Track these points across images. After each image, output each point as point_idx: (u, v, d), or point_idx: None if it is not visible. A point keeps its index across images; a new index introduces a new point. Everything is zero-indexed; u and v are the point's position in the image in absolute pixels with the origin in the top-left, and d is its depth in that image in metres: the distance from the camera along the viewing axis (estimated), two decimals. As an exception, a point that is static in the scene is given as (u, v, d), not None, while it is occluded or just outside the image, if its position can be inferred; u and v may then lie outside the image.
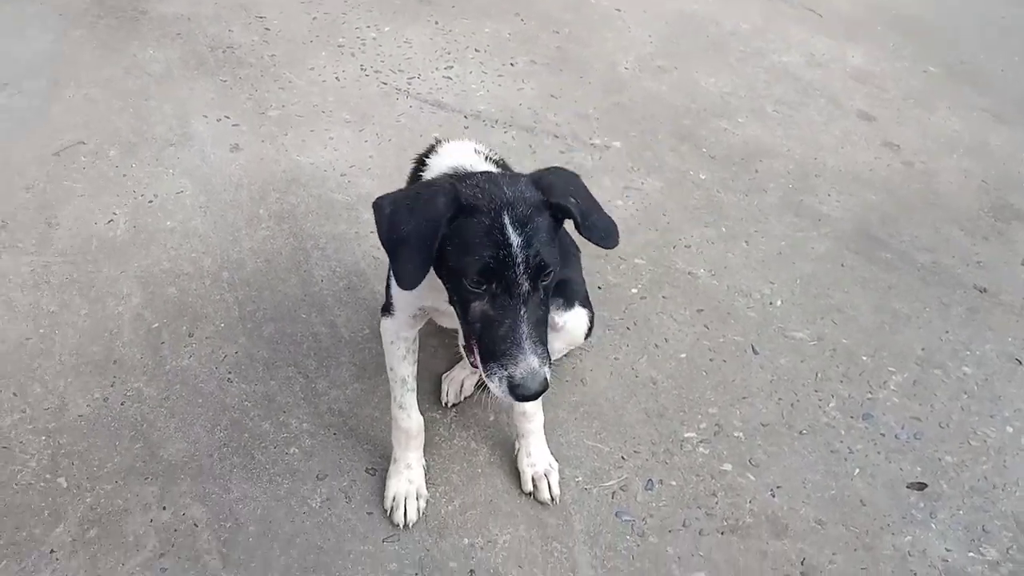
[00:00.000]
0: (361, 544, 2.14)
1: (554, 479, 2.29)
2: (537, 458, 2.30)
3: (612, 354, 2.73)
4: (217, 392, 2.46)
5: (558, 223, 1.76)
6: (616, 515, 2.27)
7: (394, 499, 2.20)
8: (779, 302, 3.01)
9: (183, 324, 2.65)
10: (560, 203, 1.71)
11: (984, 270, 3.24)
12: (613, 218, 1.81)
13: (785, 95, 4.30)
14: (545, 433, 2.37)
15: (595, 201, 1.82)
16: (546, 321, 1.74)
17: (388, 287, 2.15)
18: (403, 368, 2.19)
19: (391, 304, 2.14)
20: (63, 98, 3.54)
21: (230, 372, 2.52)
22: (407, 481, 2.22)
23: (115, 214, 2.99)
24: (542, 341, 1.66)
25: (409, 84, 3.93)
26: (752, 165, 3.68)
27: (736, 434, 2.53)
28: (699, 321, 2.89)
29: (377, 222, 1.70)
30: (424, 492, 2.23)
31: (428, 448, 2.37)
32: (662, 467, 2.40)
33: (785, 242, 3.28)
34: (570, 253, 2.44)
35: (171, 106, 3.57)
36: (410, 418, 2.22)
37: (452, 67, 4.10)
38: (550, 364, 1.67)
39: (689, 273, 3.07)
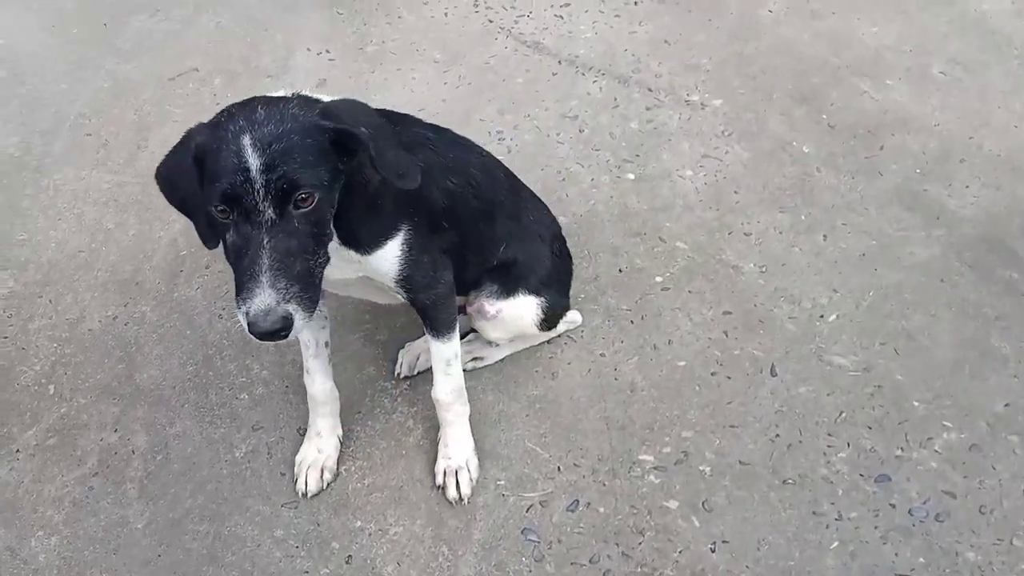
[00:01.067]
0: (261, 504, 2.20)
1: (464, 478, 2.17)
2: (454, 451, 2.19)
3: (600, 348, 2.47)
4: (205, 327, 2.61)
5: (347, 153, 1.61)
6: (522, 532, 2.10)
7: (299, 465, 2.23)
8: (833, 316, 2.51)
9: (206, 254, 2.83)
10: (346, 128, 1.57)
11: None
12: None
13: (963, 53, 3.46)
14: (478, 425, 2.25)
15: (393, 138, 1.67)
16: (315, 251, 1.59)
17: None
18: (305, 333, 2.15)
19: None
20: (198, 24, 3.83)
21: (224, 308, 2.66)
22: (316, 450, 2.22)
23: (192, 142, 3.23)
24: (293, 275, 1.52)
25: (516, 23, 3.71)
26: (879, 140, 3.03)
27: (702, 467, 2.20)
28: (720, 326, 2.50)
29: (161, 192, 1.71)
30: (332, 465, 2.22)
31: (366, 419, 2.35)
32: (596, 488, 2.17)
33: (876, 242, 2.70)
34: (519, 231, 2.22)
35: (283, 36, 3.71)
36: (314, 383, 2.19)
37: (568, 4, 3.79)
38: (305, 302, 1.54)
39: (734, 267, 2.66)
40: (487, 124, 3.20)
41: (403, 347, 2.47)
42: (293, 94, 1.68)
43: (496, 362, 2.44)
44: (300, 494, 2.19)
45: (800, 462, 2.20)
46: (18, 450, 2.34)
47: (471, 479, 2.18)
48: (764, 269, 2.65)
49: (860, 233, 2.73)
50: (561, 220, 2.73)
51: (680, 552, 2.04)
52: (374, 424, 2.34)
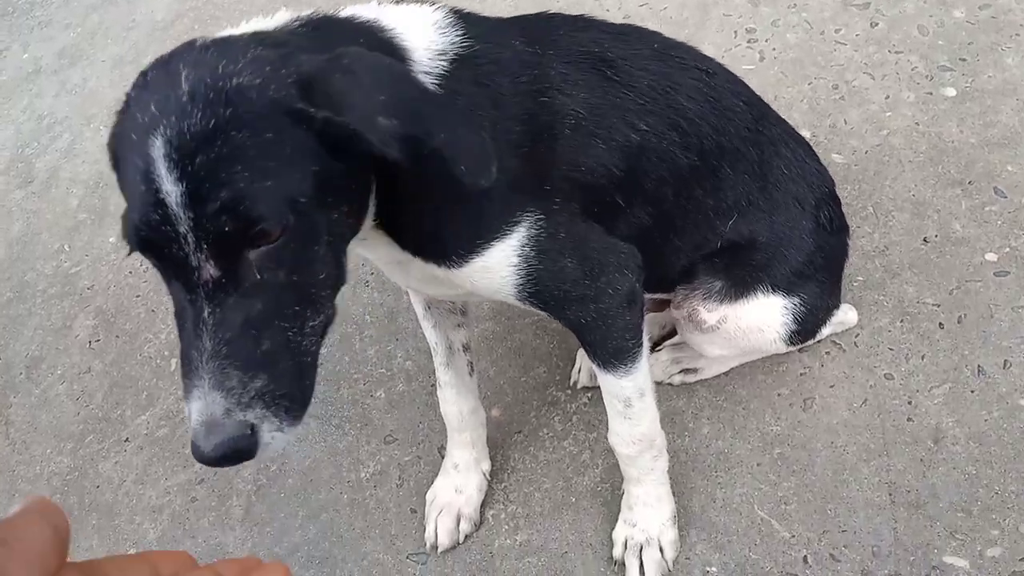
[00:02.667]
0: (382, 550, 1.63)
1: (652, 559, 1.44)
2: (640, 517, 1.46)
3: (884, 366, 1.59)
4: (348, 296, 2.07)
5: (339, 152, 0.92)
6: (737, 653, 1.37)
7: (429, 505, 1.62)
8: None
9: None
10: (342, 123, 0.89)
11: None
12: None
13: None
14: (683, 471, 1.53)
15: (446, 108, 0.98)
16: (297, 314, 0.93)
17: None
18: (431, 332, 1.53)
19: None
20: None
21: (371, 274, 2.10)
22: (453, 489, 1.60)
23: None
24: (256, 361, 0.89)
25: None
26: None
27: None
28: (1103, 342, 1.52)
29: None
30: (471, 512, 1.58)
31: (528, 443, 1.69)
32: (865, 599, 1.36)
33: None
34: (783, 193, 1.39)
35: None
36: (446, 401, 1.57)
37: None
38: (281, 403, 0.90)
39: None
40: (733, 20, 2.30)
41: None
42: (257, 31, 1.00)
43: (716, 376, 1.67)
44: (429, 545, 1.61)
45: None
46: (127, 439, 1.97)
47: (664, 562, 1.45)
48: None
49: None
50: (834, 160, 1.87)
51: None
52: (537, 453, 1.68)
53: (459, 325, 1.53)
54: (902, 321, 1.64)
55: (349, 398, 1.88)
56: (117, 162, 0.94)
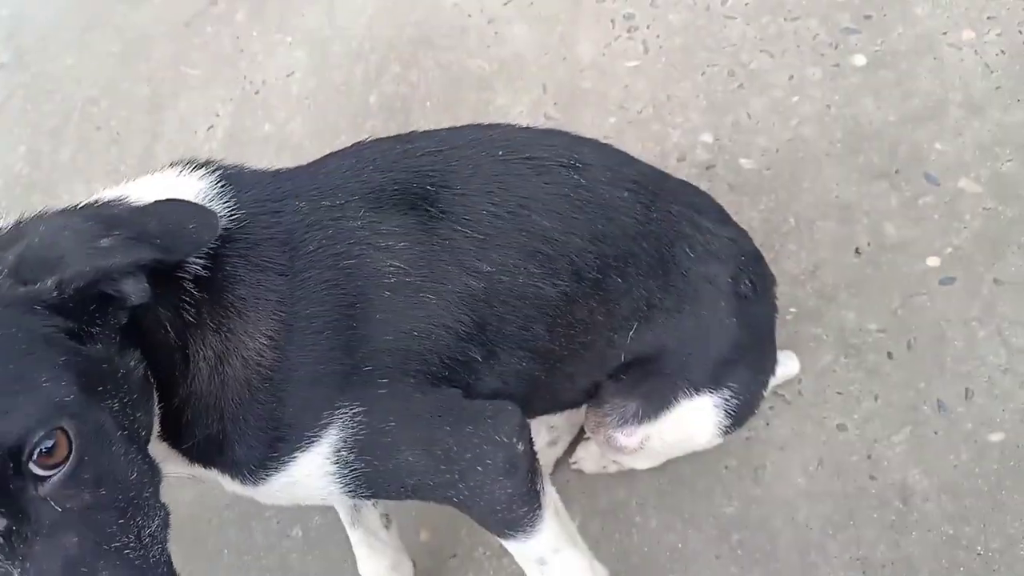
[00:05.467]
0: None
1: None
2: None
3: (835, 415, 1.42)
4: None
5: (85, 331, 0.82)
6: None
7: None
8: None
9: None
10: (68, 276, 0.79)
11: None
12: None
13: None
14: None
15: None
16: (122, 539, 0.78)
17: None
18: None
19: None
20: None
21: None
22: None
23: (218, 116, 2.36)
24: None
25: None
26: None
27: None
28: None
29: None
30: None
31: (468, 567, 1.51)
32: None
33: None
34: (691, 281, 1.17)
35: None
36: (361, 561, 1.38)
37: None
38: None
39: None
40: (608, 6, 2.03)
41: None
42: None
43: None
44: None
45: None
46: None
47: None
48: None
49: None
50: (744, 167, 1.67)
51: None
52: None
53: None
54: (846, 356, 1.46)
55: (263, 543, 1.68)
56: None
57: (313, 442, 0.93)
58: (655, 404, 1.19)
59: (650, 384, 1.19)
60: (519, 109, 1.99)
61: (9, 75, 2.77)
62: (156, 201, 0.91)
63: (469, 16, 2.19)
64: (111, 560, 0.77)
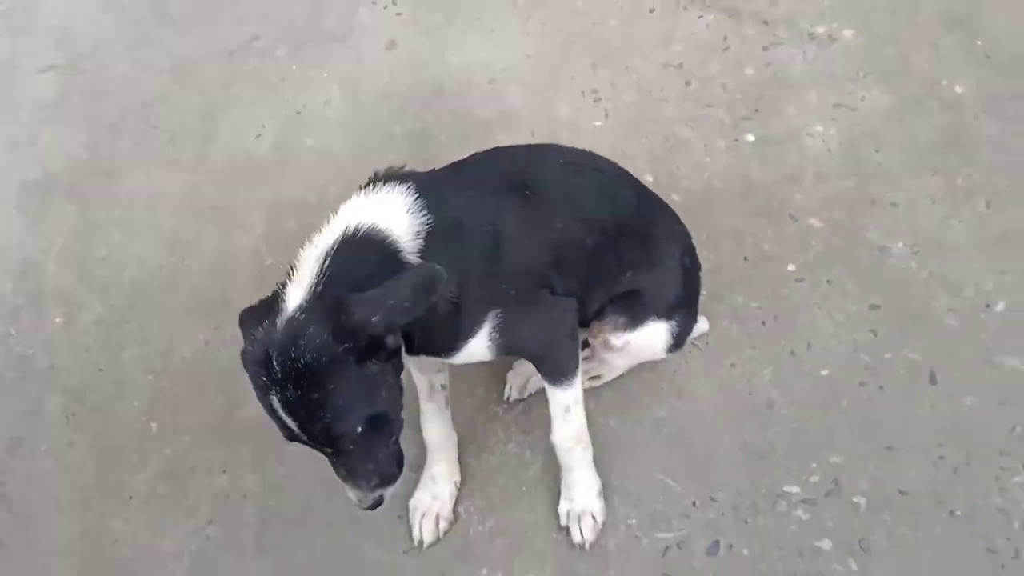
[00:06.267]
0: (381, 551, 2.09)
1: (587, 524, 1.99)
2: (577, 494, 2.01)
3: (729, 358, 2.22)
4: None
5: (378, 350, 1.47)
6: (661, 578, 1.95)
7: (412, 512, 2.10)
8: (1002, 306, 2.17)
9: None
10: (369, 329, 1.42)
11: None
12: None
13: None
14: (603, 456, 2.07)
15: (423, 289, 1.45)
16: (387, 439, 1.59)
17: None
18: (418, 376, 2.00)
19: None
20: (254, -20, 3.52)
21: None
22: (430, 496, 2.08)
23: (264, 127, 2.99)
24: (372, 469, 1.58)
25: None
26: (1050, 71, 2.56)
27: (856, 499, 1.97)
28: (867, 324, 2.21)
29: None
30: (447, 513, 2.08)
31: (480, 451, 2.19)
32: (739, 528, 1.98)
33: (1052, 207, 2.31)
34: (647, 255, 1.95)
35: (346, -11, 3.37)
36: (428, 428, 2.05)
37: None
38: (388, 478, 1.62)
39: (880, 248, 2.32)
40: (580, 82, 2.85)
41: (511, 368, 2.27)
42: (314, 284, 1.49)
43: (614, 379, 2.23)
44: (417, 543, 2.08)
45: (969, 489, 1.94)
46: (131, 496, 2.29)
47: (596, 524, 2.01)
48: (916, 250, 2.30)
49: (1032, 197, 2.34)
50: (673, 199, 2.44)
51: (839, 604, 1.86)
52: (489, 458, 2.18)
53: (439, 370, 1.99)
54: (737, 323, 2.27)
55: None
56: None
57: (477, 333, 1.66)
58: (635, 321, 1.96)
59: (633, 309, 1.95)
60: (514, 147, 2.75)
61: (64, 76, 3.26)
62: (409, 272, 1.48)
63: (473, 76, 2.95)
64: (379, 451, 1.57)
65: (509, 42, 3.03)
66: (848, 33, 2.78)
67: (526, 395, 2.25)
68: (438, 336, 1.63)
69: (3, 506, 2.34)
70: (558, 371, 1.82)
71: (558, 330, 1.76)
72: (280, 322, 1.43)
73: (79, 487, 2.33)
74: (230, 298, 2.60)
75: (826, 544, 1.93)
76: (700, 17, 2.93)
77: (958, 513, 1.92)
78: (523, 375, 2.24)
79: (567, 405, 1.88)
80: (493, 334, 1.66)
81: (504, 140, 2.78)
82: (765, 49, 2.79)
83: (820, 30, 2.80)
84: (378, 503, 1.63)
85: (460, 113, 2.87)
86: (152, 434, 2.39)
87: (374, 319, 1.39)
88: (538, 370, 1.86)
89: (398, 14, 3.20)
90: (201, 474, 2.30)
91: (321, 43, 3.20)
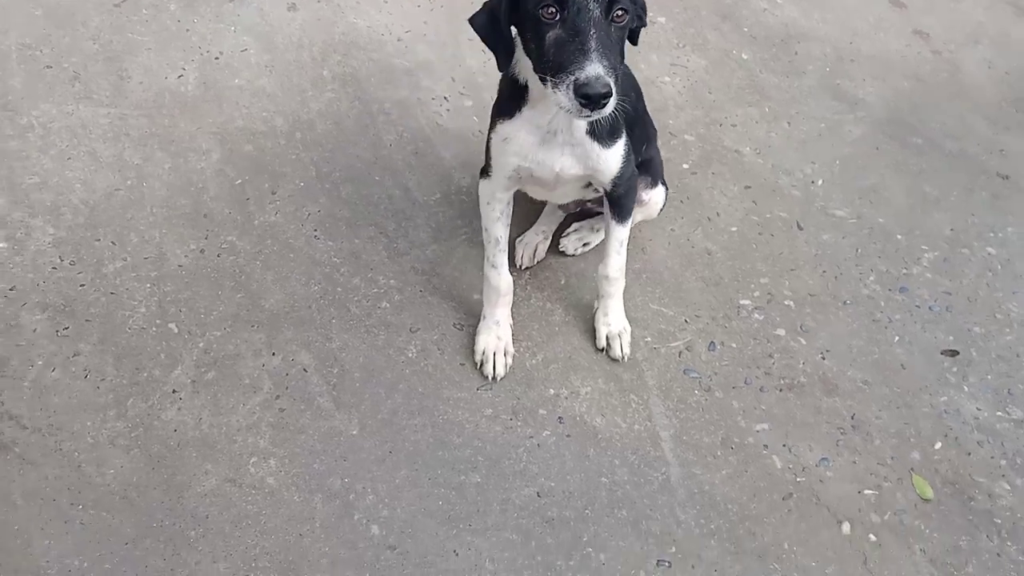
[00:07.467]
0: (457, 391, 2.33)
1: (626, 340, 2.49)
2: (613, 319, 2.49)
3: (669, 225, 2.89)
4: (306, 248, 2.57)
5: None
6: (684, 372, 2.49)
7: (483, 353, 2.38)
8: (820, 181, 3.17)
9: (264, 181, 2.72)
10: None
11: (1006, 159, 3.43)
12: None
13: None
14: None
15: None
16: (617, 50, 1.85)
17: (487, 149, 2.26)
18: (497, 228, 2.33)
19: (489, 165, 2.25)
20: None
21: (315, 229, 2.62)
22: (496, 337, 2.40)
23: (184, 69, 2.99)
24: (610, 60, 1.77)
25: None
26: (791, 47, 3.76)
27: (787, 302, 2.74)
28: (747, 197, 3.05)
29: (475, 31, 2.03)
30: (511, 349, 2.41)
31: (517, 305, 2.53)
32: (722, 330, 2.62)
33: (824, 124, 3.41)
34: (650, 133, 2.56)
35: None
36: (500, 276, 2.37)
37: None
38: (616, 78, 1.79)
39: (736, 151, 3.21)
40: (479, 43, 3.35)
41: (519, 238, 2.67)
42: None
43: (598, 244, 2.75)
44: (489, 378, 2.35)
45: (847, 287, 2.82)
46: (174, 390, 2.19)
47: (630, 340, 2.51)
48: (758, 151, 3.23)
49: (810, 119, 3.42)
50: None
51: (803, 364, 2.57)
52: (518, 311, 2.53)
53: (507, 225, 2.34)
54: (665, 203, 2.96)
55: (361, 313, 2.45)
56: None
57: (621, 136, 2.14)
58: (653, 183, 2.56)
59: (650, 172, 2.54)
60: (440, 89, 3.15)
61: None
62: None
63: (382, 35, 3.29)
64: (614, 58, 1.82)
65: (402, 11, 3.44)
66: (662, 19, 3.73)
67: (535, 262, 2.66)
68: (608, 127, 2.08)
69: (12, 424, 2.06)
70: (627, 209, 2.33)
71: (634, 178, 2.29)
72: None
73: (106, 389, 2.15)
74: (210, 212, 2.60)
75: (781, 331, 2.65)
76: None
77: (848, 302, 2.78)
78: (532, 245, 2.66)
79: (623, 240, 2.38)
80: (625, 147, 2.18)
81: (428, 84, 3.18)
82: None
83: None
84: (605, 94, 1.73)
85: (380, 62, 3.20)
86: (174, 334, 2.30)
87: None
88: (612, 210, 2.32)
89: (286, -18, 3.42)
90: (248, 358, 2.29)
91: (215, 3, 3.27)
